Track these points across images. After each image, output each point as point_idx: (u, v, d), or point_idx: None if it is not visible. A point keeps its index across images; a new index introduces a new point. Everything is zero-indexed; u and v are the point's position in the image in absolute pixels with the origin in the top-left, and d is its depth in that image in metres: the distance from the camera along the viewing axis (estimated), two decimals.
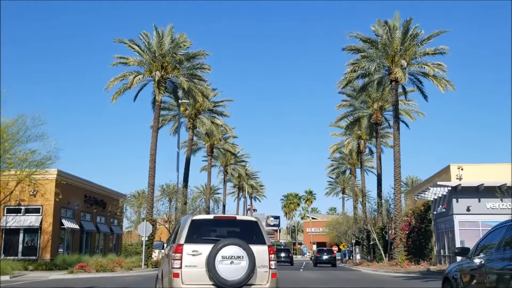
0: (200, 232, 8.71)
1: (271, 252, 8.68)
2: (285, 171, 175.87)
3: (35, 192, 32.50)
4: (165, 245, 11.43)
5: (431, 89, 34.65)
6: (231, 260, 8.18)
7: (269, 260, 8.56)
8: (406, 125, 43.00)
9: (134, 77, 32.56)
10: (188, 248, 8.39)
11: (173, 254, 8.43)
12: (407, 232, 33.50)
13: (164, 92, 34.03)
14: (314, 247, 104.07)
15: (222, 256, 8.17)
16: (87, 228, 38.67)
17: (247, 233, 8.84)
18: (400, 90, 34.51)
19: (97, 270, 24.97)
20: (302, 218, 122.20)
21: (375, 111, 42.06)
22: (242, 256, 8.20)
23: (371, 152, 55.42)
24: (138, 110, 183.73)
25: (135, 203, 35.42)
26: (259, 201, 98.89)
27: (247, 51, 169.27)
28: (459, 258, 30.84)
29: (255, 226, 9.01)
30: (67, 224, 34.86)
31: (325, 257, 44.22)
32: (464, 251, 8.42)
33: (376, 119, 42.16)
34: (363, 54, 32.58)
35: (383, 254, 37.44)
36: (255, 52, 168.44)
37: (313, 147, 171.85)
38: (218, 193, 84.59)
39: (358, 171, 61.89)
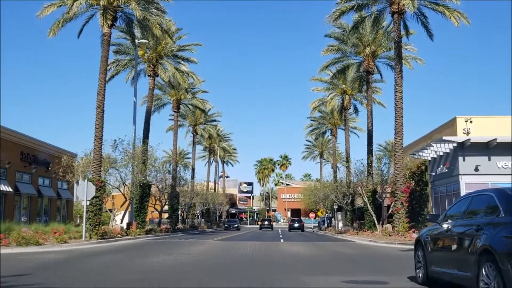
0: None
1: None
2: (260, 134, 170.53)
3: None
4: None
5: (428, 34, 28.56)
6: None
7: None
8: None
9: (74, 1, 25.65)
10: None
11: None
12: (407, 196, 28.25)
13: (113, 23, 27.09)
14: (289, 214, 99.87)
15: None
16: (24, 191, 32.13)
17: None
18: (402, 31, 28.68)
19: (18, 243, 18.84)
20: (276, 185, 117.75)
21: (367, 57, 36.33)
22: None
23: (356, 110, 50.12)
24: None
25: (82, 162, 28.93)
26: (232, 165, 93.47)
27: None
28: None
29: None
30: None
31: (296, 224, 57.08)
32: (434, 218, 9.17)
33: (368, 66, 36.53)
34: None
35: (376, 221, 32.30)
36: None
37: (290, 109, 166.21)
38: (188, 158, 78.47)
39: (339, 132, 56.74)
